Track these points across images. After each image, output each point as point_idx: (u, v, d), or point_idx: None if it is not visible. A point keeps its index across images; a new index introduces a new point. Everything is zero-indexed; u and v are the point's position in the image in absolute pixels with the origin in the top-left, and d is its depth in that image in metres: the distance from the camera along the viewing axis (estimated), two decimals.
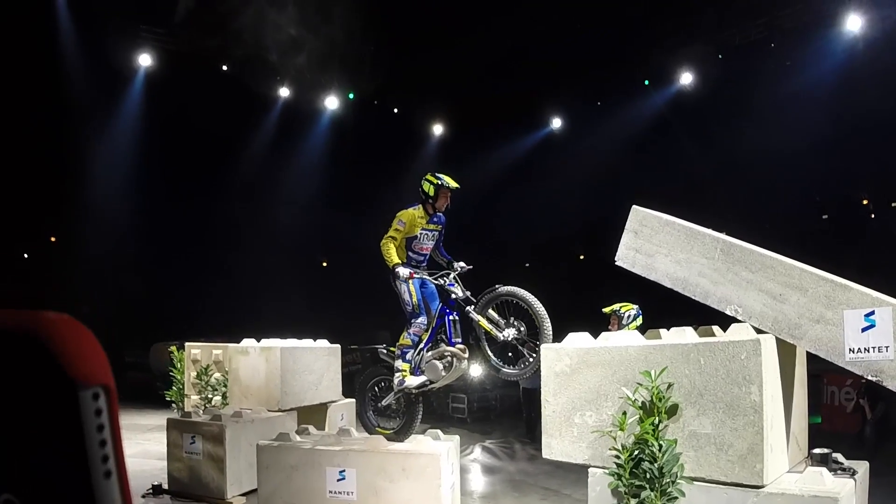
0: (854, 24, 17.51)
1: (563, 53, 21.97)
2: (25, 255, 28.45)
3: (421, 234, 8.21)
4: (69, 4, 19.40)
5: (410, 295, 8.03)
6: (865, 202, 23.57)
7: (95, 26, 19.55)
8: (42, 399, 1.20)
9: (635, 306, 9.28)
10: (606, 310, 9.35)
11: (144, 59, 20.90)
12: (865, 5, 17.17)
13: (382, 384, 8.75)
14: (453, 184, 8.20)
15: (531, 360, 7.58)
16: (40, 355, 1.18)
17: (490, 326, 7.73)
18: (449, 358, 7.94)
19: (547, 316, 7.36)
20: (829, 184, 22.16)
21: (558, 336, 7.01)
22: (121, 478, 1.21)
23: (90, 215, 23.71)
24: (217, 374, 12.51)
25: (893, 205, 22.86)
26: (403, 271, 7.89)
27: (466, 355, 7.95)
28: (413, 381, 8.12)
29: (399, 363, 8.19)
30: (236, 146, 25.71)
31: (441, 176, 8.23)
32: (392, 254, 7.96)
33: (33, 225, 25.38)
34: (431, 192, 8.18)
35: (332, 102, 24.59)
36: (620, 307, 9.28)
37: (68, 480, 1.21)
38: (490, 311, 7.81)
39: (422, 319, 8.06)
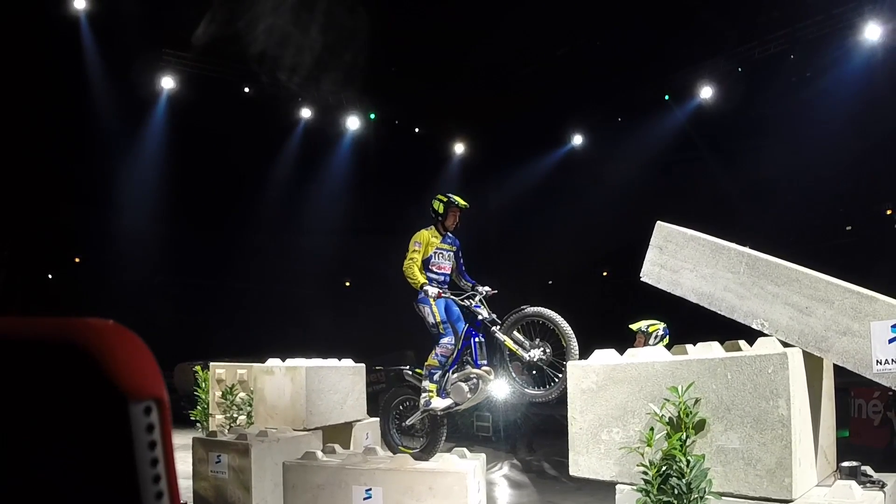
0: (873, 32, 17.43)
1: (583, 69, 22.01)
2: (49, 276, 28.64)
3: (435, 253, 8.33)
4: (92, 28, 19.60)
5: (434, 316, 8.09)
6: (889, 212, 23.39)
7: (119, 50, 19.75)
8: (86, 416, 1.10)
9: (662, 325, 9.19)
10: (633, 327, 9.27)
11: (167, 83, 21.09)
12: (885, 14, 17.11)
13: (407, 403, 8.75)
14: (462, 202, 8.39)
15: (556, 380, 7.56)
16: (84, 367, 1.09)
17: (516, 347, 7.73)
18: (475, 380, 7.95)
19: (574, 336, 7.36)
20: (852, 195, 22.02)
21: (583, 354, 7.02)
22: (172, 500, 1.13)
23: (114, 236, 23.90)
24: (242, 394, 12.54)
25: None
26: (432, 290, 7.99)
27: (492, 377, 7.96)
28: (440, 403, 8.13)
29: (426, 384, 8.21)
30: (259, 167, 25.85)
31: (450, 195, 8.44)
32: (417, 275, 8.06)
33: (58, 246, 25.57)
34: (441, 210, 8.36)
35: (353, 123, 24.70)
36: (648, 325, 9.20)
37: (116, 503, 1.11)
38: (515, 332, 7.82)
39: (448, 339, 8.08)
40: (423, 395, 8.21)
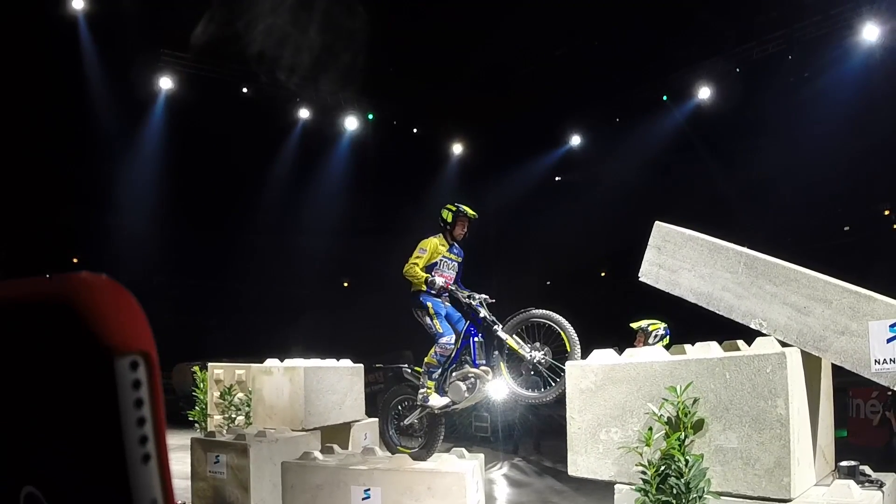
0: (871, 33, 17.44)
1: (582, 70, 22.02)
2: (48, 276, 28.57)
3: (441, 261, 8.37)
4: (91, 28, 19.59)
5: (431, 317, 8.12)
6: (887, 213, 23.42)
7: (117, 50, 19.74)
8: (71, 372, 1.06)
9: (663, 325, 9.19)
10: (634, 325, 9.28)
11: (165, 83, 21.09)
12: (882, 15, 17.12)
13: (405, 403, 8.76)
14: (471, 212, 8.45)
15: (553, 384, 7.57)
16: (68, 320, 1.03)
17: (517, 346, 7.75)
18: (472, 379, 7.97)
19: (578, 341, 7.38)
20: (850, 195, 22.03)
21: (582, 354, 7.05)
22: (161, 462, 1.06)
23: (113, 236, 23.88)
24: (240, 394, 12.52)
25: None
26: (438, 280, 8.11)
27: (490, 377, 7.97)
28: (437, 401, 8.14)
29: (425, 380, 8.24)
30: (257, 167, 25.84)
31: (459, 204, 8.47)
32: (419, 273, 8.09)
33: (56, 246, 25.54)
34: (450, 219, 8.41)
35: (351, 123, 24.70)
36: (648, 325, 9.20)
37: (99, 467, 1.06)
38: (517, 333, 7.85)
39: (447, 339, 8.10)
40: (422, 391, 8.24)
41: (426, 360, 8.28)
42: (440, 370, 8.20)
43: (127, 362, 1.04)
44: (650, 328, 9.13)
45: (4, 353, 1.14)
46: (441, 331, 8.10)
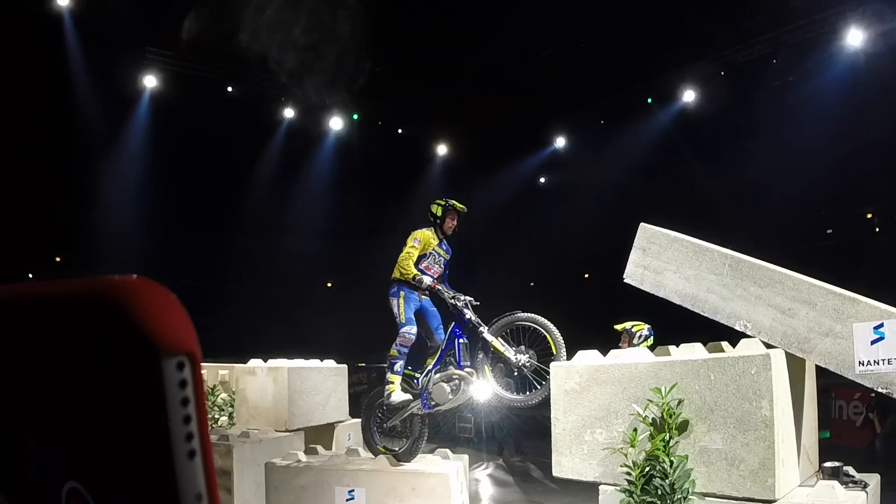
0: (855, 38, 17.55)
1: (567, 72, 22.04)
2: (31, 276, 28.39)
3: (430, 254, 8.36)
4: (76, 26, 19.48)
5: (399, 307, 8.14)
6: (870, 216, 23.55)
7: (102, 47, 19.64)
8: (118, 371, 1.09)
9: (647, 326, 9.22)
10: (618, 327, 9.31)
11: (150, 81, 21.00)
12: (866, 20, 17.22)
13: None
14: (460, 206, 8.46)
15: (538, 387, 7.57)
16: (116, 322, 1.07)
17: (503, 348, 7.75)
18: (457, 381, 7.95)
19: (563, 344, 7.39)
20: (833, 198, 22.14)
21: (567, 356, 7.05)
22: (206, 458, 1.09)
23: (96, 234, 23.71)
24: (224, 395, 12.46)
25: None
26: (427, 279, 8.07)
27: (474, 379, 7.97)
28: (398, 397, 8.15)
29: (388, 375, 8.23)
30: (242, 167, 25.73)
31: (448, 199, 8.51)
32: (412, 267, 8.10)
33: (39, 244, 25.36)
34: (439, 214, 8.41)
35: (336, 123, 24.66)
36: (632, 325, 9.23)
37: (146, 463, 1.09)
38: (502, 335, 7.85)
39: (407, 328, 8.10)
40: (386, 387, 8.23)
41: (389, 353, 8.29)
42: (402, 361, 8.18)
43: (174, 363, 1.07)
44: (634, 329, 9.17)
45: (52, 352, 1.17)
46: (404, 320, 8.11)
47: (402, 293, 8.18)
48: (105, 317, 1.08)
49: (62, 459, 1.21)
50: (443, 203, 8.43)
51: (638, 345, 8.86)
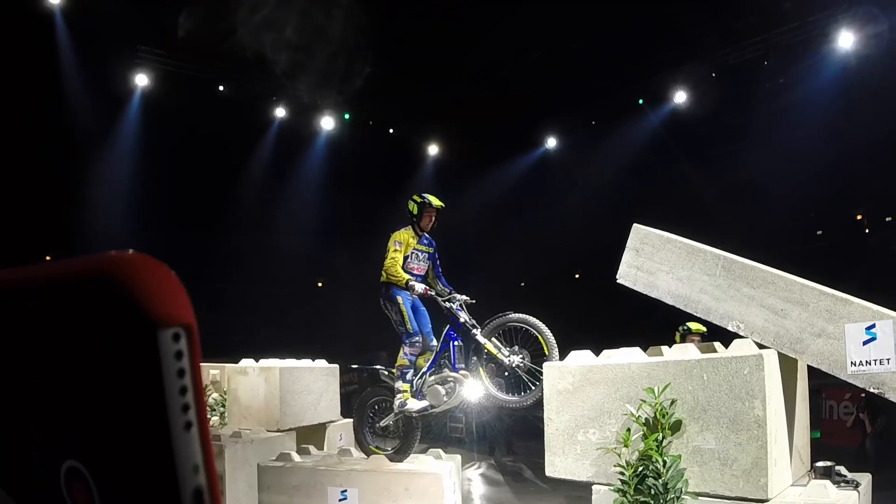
0: (846, 40, 17.62)
1: (558, 73, 22.08)
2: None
3: (412, 254, 8.29)
4: (67, 24, 19.42)
5: (402, 314, 8.08)
6: (860, 217, 23.63)
7: (94, 46, 19.58)
8: (114, 345, 1.09)
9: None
10: (692, 327, 8.93)
11: (141, 80, 20.95)
12: (857, 23, 17.30)
13: (382, 404, 8.71)
14: (437, 202, 8.37)
15: (532, 388, 7.57)
16: (112, 296, 1.07)
17: (496, 350, 7.74)
18: (451, 383, 7.95)
19: (556, 345, 7.39)
20: (824, 200, 22.21)
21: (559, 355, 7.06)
22: (202, 430, 1.09)
23: (86, 234, 23.59)
24: (215, 395, 12.45)
25: (888, 219, 22.90)
26: (419, 286, 7.99)
27: (469, 381, 7.96)
28: (415, 405, 8.11)
29: (399, 384, 8.18)
30: (233, 166, 25.68)
31: (425, 195, 8.42)
32: (401, 273, 8.03)
33: (28, 244, 25.24)
34: (416, 211, 8.32)
35: (327, 123, 24.65)
36: (690, 327, 8.96)
37: (143, 435, 1.10)
38: (495, 337, 7.84)
39: (416, 338, 8.08)
40: (398, 396, 8.18)
41: (398, 362, 8.23)
42: (413, 370, 8.17)
43: (170, 334, 1.07)
44: (693, 328, 8.91)
45: (50, 331, 1.18)
46: (411, 329, 8.06)
47: (399, 297, 8.10)
48: (101, 291, 1.09)
49: (60, 439, 1.21)
50: (419, 200, 8.34)
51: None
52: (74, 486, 1.18)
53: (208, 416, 11.50)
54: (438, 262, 8.57)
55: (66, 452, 1.18)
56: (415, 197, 8.45)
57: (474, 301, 8.22)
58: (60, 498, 1.21)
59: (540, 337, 7.52)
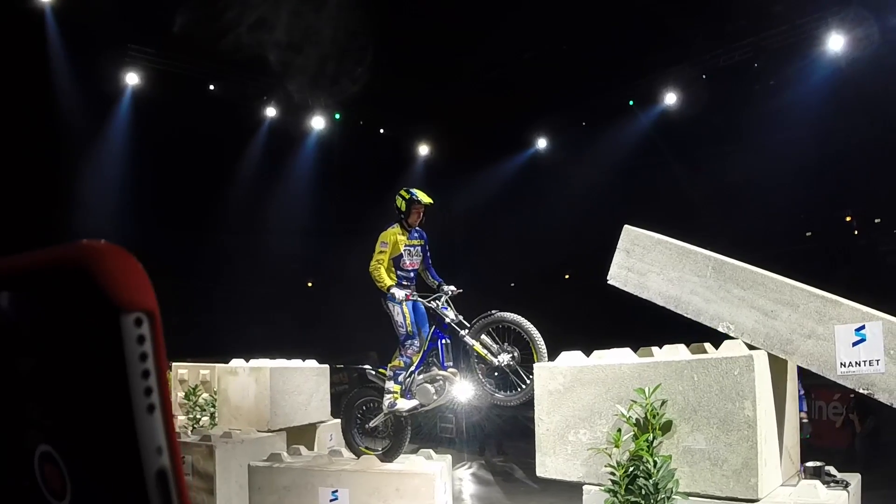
0: (836, 43, 17.68)
1: (548, 74, 22.10)
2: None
3: (404, 251, 8.26)
4: (58, 22, 19.36)
5: (404, 317, 8.06)
6: (849, 219, 23.72)
7: (84, 44, 19.51)
8: (82, 331, 1.13)
9: None
10: None
11: (132, 79, 20.88)
12: (847, 25, 17.36)
13: (370, 405, 8.69)
14: (425, 199, 8.31)
15: (524, 386, 7.56)
16: (78, 282, 1.11)
17: (484, 351, 7.72)
18: (441, 381, 7.94)
19: (544, 343, 7.38)
20: (813, 202, 22.27)
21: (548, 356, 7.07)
22: (165, 413, 1.13)
23: (75, 233, 23.48)
24: (205, 395, 12.42)
25: (877, 221, 22.99)
26: (399, 293, 7.92)
27: (458, 379, 7.96)
28: (405, 405, 8.11)
29: (390, 385, 8.17)
30: (223, 166, 25.61)
31: (413, 191, 8.36)
32: (384, 277, 8.00)
33: (17, 244, 25.10)
34: (403, 208, 8.28)
35: (318, 123, 24.62)
36: None
37: (107, 418, 1.13)
38: (484, 336, 7.81)
39: (415, 342, 8.07)
40: (388, 396, 8.18)
41: (392, 363, 8.21)
42: (406, 373, 8.16)
43: (132, 319, 1.11)
44: None
45: (23, 319, 1.23)
46: (412, 332, 8.06)
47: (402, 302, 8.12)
48: (68, 279, 1.13)
49: (34, 424, 1.24)
50: (407, 196, 8.27)
51: None
52: (47, 470, 1.22)
53: (201, 422, 11.54)
54: (429, 253, 8.55)
55: (39, 438, 1.22)
56: (402, 192, 8.38)
57: (461, 291, 8.18)
58: (35, 482, 1.24)
59: (526, 336, 7.50)
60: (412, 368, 8.16)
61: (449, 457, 8.62)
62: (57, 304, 1.16)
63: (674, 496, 5.32)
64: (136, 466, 1.10)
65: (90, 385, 1.14)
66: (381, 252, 8.13)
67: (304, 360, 11.63)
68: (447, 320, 7.93)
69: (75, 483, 1.19)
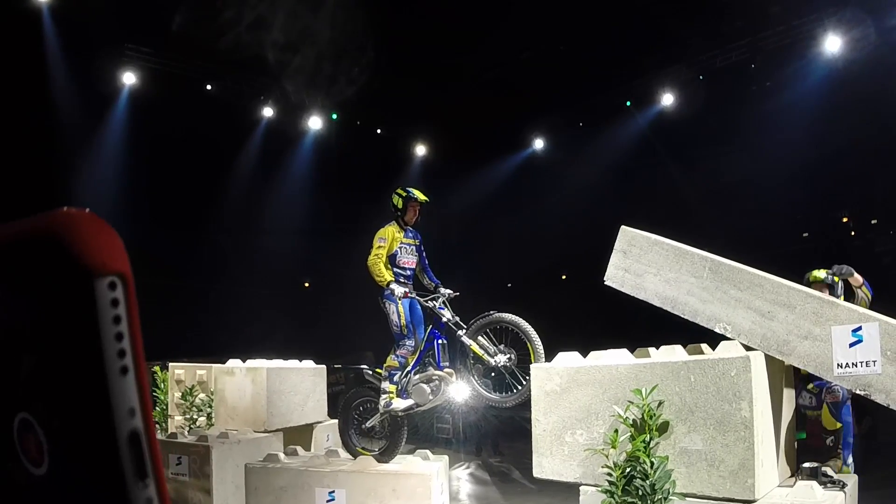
0: (833, 44, 17.69)
1: (546, 74, 22.10)
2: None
3: (400, 248, 8.31)
4: (55, 21, 19.33)
5: (399, 316, 8.06)
6: (846, 220, 23.72)
7: (82, 43, 19.48)
8: (56, 296, 1.15)
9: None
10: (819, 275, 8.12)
11: (129, 78, 20.85)
12: (844, 27, 17.37)
13: (367, 405, 8.70)
14: (421, 196, 8.40)
15: (520, 387, 7.56)
16: (52, 248, 1.13)
17: (481, 352, 7.73)
18: (437, 381, 7.94)
19: (541, 343, 7.38)
20: (809, 202, 22.28)
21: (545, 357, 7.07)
22: (138, 375, 1.15)
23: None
24: (202, 395, 12.41)
25: (874, 222, 23.00)
26: (399, 289, 7.94)
27: (454, 379, 7.96)
28: (400, 404, 8.11)
29: (386, 385, 8.18)
30: (220, 166, 25.57)
31: (409, 189, 8.46)
32: (384, 272, 8.02)
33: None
34: (400, 205, 8.37)
35: (315, 123, 24.59)
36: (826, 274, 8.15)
37: (81, 381, 1.14)
38: (481, 336, 7.82)
39: (410, 342, 8.07)
40: (384, 396, 8.18)
41: (387, 363, 8.22)
42: (401, 373, 8.16)
43: (105, 282, 1.13)
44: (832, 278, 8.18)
45: (4, 290, 1.24)
46: (406, 332, 8.06)
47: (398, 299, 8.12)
48: (42, 245, 1.15)
49: (12, 392, 1.26)
50: (403, 194, 8.38)
51: (838, 296, 7.83)
52: (25, 438, 1.23)
53: (197, 422, 11.53)
54: (425, 254, 8.58)
55: (17, 405, 1.23)
56: (399, 190, 8.48)
57: (458, 294, 8.20)
58: (14, 451, 1.25)
59: (524, 336, 7.51)
60: (408, 368, 8.16)
61: (446, 457, 8.61)
62: (31, 271, 1.17)
63: (670, 497, 5.32)
64: (109, 428, 1.12)
65: (64, 348, 1.15)
66: (379, 247, 8.17)
67: (300, 361, 11.63)
68: (444, 320, 7.94)
69: (52, 448, 1.21)
